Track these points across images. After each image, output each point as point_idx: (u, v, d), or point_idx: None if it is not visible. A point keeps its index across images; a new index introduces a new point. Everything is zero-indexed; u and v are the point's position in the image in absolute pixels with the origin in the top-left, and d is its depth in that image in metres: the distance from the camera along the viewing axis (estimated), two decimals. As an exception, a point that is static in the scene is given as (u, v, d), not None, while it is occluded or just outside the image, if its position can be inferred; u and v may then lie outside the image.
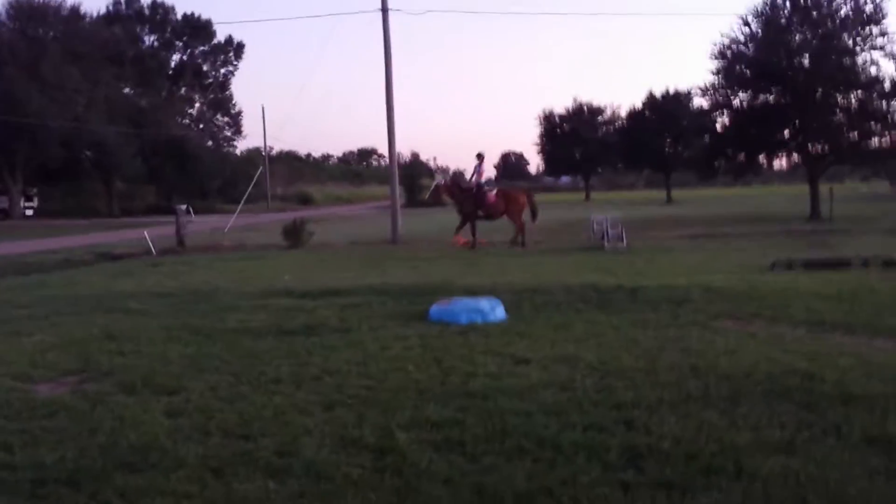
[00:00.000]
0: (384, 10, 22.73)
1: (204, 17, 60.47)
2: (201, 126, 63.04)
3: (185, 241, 21.77)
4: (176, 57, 61.35)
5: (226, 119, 65.35)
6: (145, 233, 22.13)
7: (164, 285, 12.10)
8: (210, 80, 63.52)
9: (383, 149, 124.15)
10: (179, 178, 57.76)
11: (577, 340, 6.99)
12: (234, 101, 64.63)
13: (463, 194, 18.95)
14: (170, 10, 58.97)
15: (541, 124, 70.61)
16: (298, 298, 10.06)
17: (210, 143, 62.09)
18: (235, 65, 63.77)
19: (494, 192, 19.16)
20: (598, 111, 69.49)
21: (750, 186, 73.33)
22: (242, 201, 37.65)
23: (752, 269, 12.56)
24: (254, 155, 69.27)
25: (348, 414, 4.96)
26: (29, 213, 49.69)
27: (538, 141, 71.21)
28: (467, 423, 4.69)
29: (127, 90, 55.55)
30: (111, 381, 5.92)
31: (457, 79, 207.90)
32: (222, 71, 63.78)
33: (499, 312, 8.18)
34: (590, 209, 31.09)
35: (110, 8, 56.91)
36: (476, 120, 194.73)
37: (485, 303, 8.31)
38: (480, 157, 19.44)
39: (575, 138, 67.70)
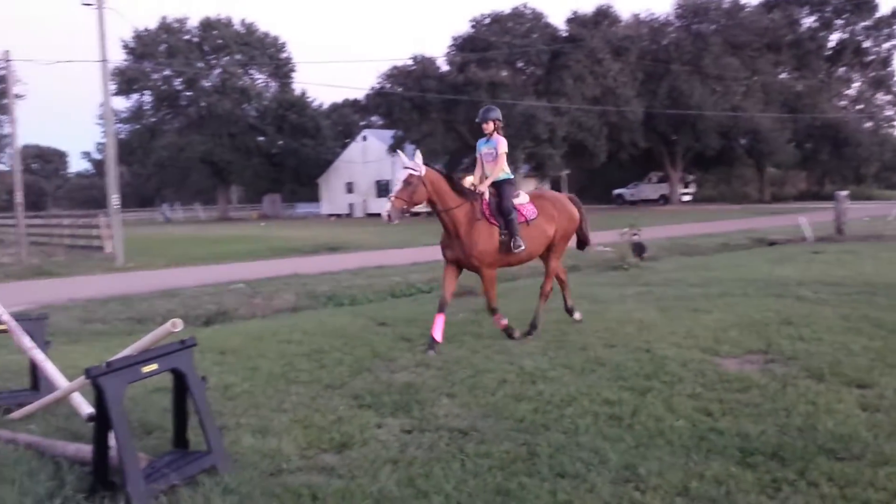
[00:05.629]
0: None
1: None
2: (859, 107, 58.58)
3: (843, 228, 20.65)
4: (834, 36, 58.07)
5: (887, 97, 59.36)
6: (801, 219, 21.75)
7: (830, 274, 11.69)
8: (871, 58, 58.46)
9: None
10: (833, 163, 55.16)
11: None
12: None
13: (469, 206, 7.43)
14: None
15: None
16: None
17: (869, 124, 57.29)
18: (900, 37, 57.12)
19: (526, 199, 7.95)
20: None
21: None
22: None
23: None
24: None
25: None
26: (686, 198, 53.89)
27: None
28: None
29: (783, 75, 55.00)
30: (796, 366, 5.99)
31: None
32: (884, 46, 57.89)
33: None
34: None
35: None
36: None
37: None
38: (492, 119, 7.68)
39: None
